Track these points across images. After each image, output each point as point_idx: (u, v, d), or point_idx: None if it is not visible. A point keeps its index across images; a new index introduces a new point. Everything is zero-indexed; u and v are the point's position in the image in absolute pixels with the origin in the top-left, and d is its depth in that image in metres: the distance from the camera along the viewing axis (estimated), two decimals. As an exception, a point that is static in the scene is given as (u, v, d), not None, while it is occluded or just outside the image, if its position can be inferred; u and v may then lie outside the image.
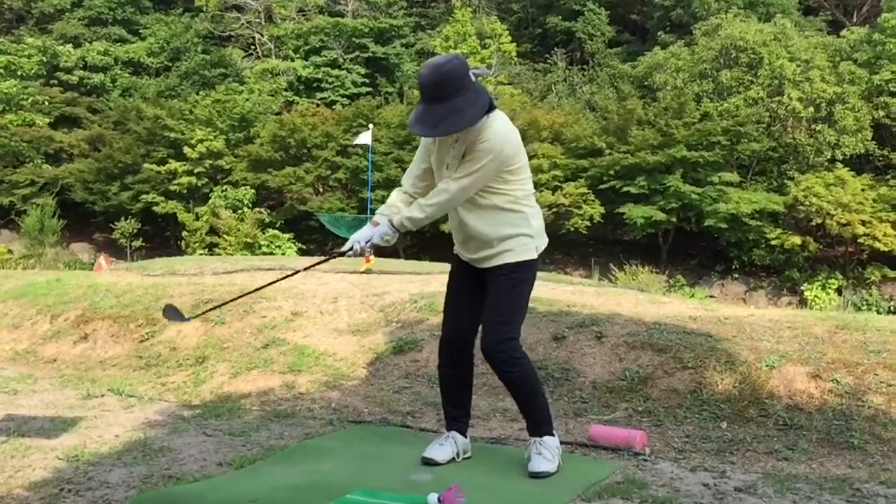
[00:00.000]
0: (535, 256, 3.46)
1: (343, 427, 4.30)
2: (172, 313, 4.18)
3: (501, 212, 3.40)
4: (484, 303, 3.55)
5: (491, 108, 3.31)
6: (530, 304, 3.64)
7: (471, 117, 3.22)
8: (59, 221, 28.02)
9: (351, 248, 3.43)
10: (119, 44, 37.25)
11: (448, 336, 3.63)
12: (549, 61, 36.67)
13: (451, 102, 3.21)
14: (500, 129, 3.30)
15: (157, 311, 6.84)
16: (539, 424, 3.53)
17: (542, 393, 3.59)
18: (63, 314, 7.26)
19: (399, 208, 3.48)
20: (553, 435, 3.54)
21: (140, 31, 38.47)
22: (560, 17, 37.39)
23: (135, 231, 29.96)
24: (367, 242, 3.42)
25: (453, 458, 3.55)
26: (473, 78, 3.29)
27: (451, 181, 3.34)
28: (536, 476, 3.38)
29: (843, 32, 29.54)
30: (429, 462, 3.50)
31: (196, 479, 3.38)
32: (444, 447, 3.56)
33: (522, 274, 3.48)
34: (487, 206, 3.39)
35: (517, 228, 3.42)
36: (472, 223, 3.44)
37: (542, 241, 3.51)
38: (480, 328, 3.53)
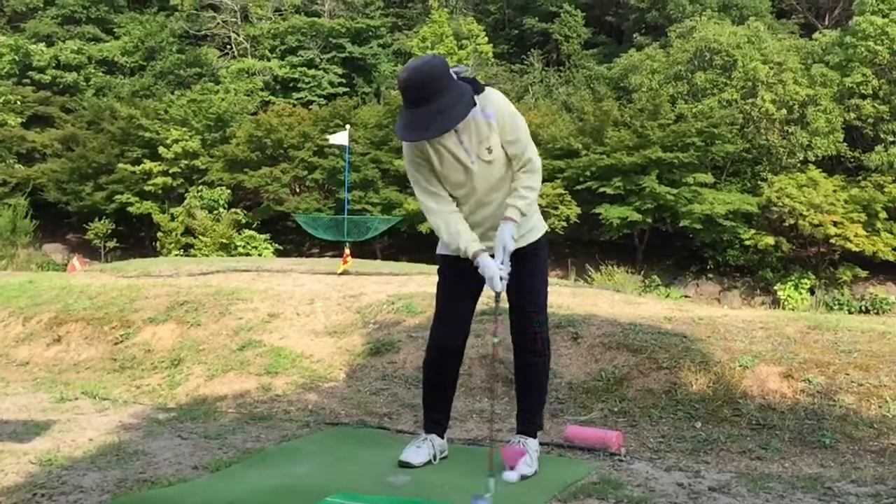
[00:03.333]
0: (546, 229, 3.62)
1: (320, 429, 4.29)
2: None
3: None
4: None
5: (478, 90, 3.29)
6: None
7: (459, 114, 3.18)
8: (31, 222, 27.61)
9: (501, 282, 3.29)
10: (93, 42, 36.83)
11: (445, 343, 3.54)
12: (525, 62, 36.75)
13: (436, 103, 3.14)
14: (500, 97, 3.36)
15: (132, 313, 6.79)
16: (534, 422, 3.57)
17: (546, 391, 3.64)
18: (36, 316, 7.18)
19: (472, 235, 3.36)
20: (536, 438, 3.57)
21: (114, 29, 38.06)
22: (536, 19, 37.49)
23: (109, 232, 29.61)
24: (502, 263, 3.28)
25: (430, 461, 3.55)
26: (455, 76, 3.26)
27: (528, 155, 3.35)
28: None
29: (815, 35, 29.85)
30: (406, 465, 3.50)
31: (171, 482, 3.36)
32: (422, 450, 3.55)
33: (544, 253, 3.61)
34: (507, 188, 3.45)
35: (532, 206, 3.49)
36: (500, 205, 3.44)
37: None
38: (519, 310, 3.51)
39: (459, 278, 3.53)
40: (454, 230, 3.35)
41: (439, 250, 3.60)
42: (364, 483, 3.31)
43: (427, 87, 3.14)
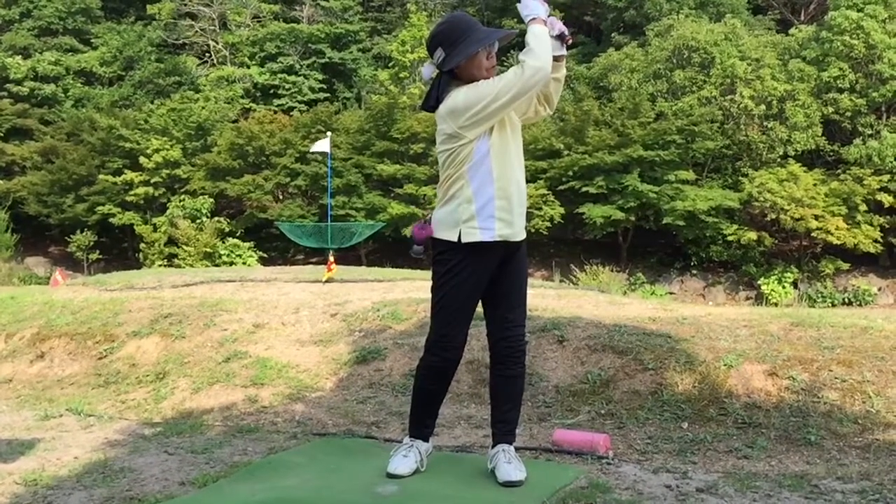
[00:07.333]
0: None
1: (307, 440, 4.27)
2: None
3: None
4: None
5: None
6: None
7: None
8: (12, 236, 27.44)
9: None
10: (70, 53, 36.58)
11: (451, 357, 3.48)
12: (505, 64, 36.77)
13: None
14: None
15: (116, 326, 6.75)
16: (514, 428, 3.56)
17: None
18: (18, 333, 7.13)
19: None
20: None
21: (91, 40, 37.80)
22: (515, 20, 37.29)
23: (91, 244, 29.44)
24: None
25: (418, 469, 3.53)
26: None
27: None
28: (511, 485, 3.36)
29: (792, 31, 30.06)
30: (394, 477, 3.48)
31: (158, 499, 3.34)
32: (408, 458, 3.53)
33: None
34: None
35: None
36: (522, 181, 3.49)
37: None
38: (509, 322, 3.48)
39: (482, 283, 3.42)
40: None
41: (471, 237, 3.30)
42: (352, 494, 3.30)
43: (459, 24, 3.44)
